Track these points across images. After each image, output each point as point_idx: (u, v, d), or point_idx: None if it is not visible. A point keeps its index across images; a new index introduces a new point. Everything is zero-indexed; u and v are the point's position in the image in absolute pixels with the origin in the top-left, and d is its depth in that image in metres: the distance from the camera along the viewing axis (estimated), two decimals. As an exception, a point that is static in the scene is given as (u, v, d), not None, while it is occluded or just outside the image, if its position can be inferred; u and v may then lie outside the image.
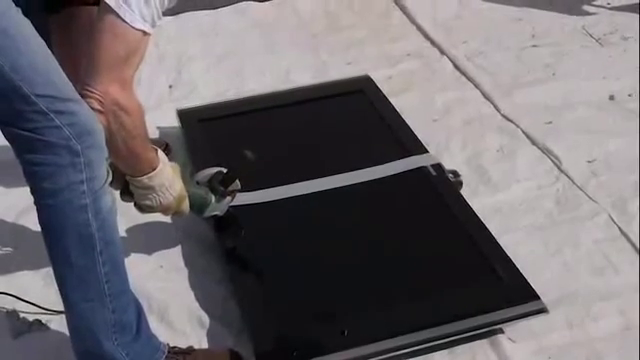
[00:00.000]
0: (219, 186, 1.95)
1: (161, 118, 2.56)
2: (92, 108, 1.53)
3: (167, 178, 1.79)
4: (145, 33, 1.57)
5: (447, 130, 2.53)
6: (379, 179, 2.18)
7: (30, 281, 2.00)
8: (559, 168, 2.33)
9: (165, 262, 2.06)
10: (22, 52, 1.37)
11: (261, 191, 2.11)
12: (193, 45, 3.04)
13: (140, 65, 1.64)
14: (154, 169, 1.75)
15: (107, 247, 1.51)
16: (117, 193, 1.77)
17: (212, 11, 3.25)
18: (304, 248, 1.99)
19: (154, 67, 2.89)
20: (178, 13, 3.19)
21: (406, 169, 2.21)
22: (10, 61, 1.35)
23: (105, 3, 1.52)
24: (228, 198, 1.98)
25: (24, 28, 1.40)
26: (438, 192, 2.13)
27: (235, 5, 3.29)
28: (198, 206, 1.93)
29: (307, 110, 2.50)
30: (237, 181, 1.97)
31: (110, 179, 1.54)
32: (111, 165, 1.76)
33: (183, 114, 2.49)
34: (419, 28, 3.12)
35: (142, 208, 1.84)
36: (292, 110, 2.49)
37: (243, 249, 2.00)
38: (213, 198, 1.95)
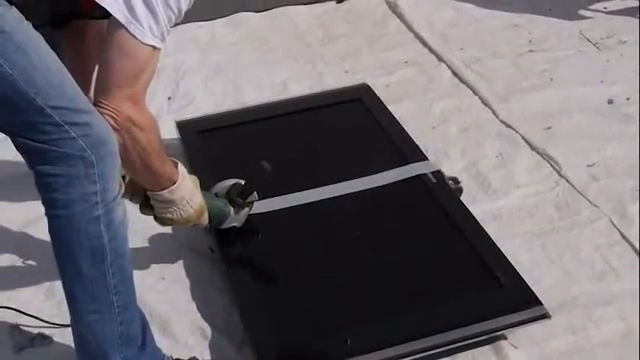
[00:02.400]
0: (237, 198, 1.96)
1: (160, 130, 2.55)
2: None
3: (187, 191, 1.81)
4: (155, 48, 1.58)
5: (446, 137, 2.53)
6: (379, 187, 2.18)
7: (31, 295, 1.99)
8: (559, 173, 2.33)
9: (167, 274, 2.06)
10: (35, 65, 1.38)
11: (260, 201, 2.10)
12: (190, 57, 3.04)
13: (152, 80, 1.65)
14: (174, 183, 1.78)
15: (117, 259, 1.51)
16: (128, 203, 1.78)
17: (208, 22, 3.25)
18: (305, 257, 1.99)
19: (152, 79, 2.90)
20: (174, 25, 3.18)
21: (406, 177, 2.21)
22: (24, 74, 1.36)
23: (115, 19, 1.53)
24: (246, 209, 1.99)
25: (36, 41, 1.41)
26: (438, 199, 2.13)
27: (230, 16, 3.29)
28: (217, 218, 1.94)
29: (305, 119, 2.50)
30: (255, 192, 1.98)
31: (122, 191, 1.55)
32: (131, 180, 1.78)
33: (182, 125, 2.50)
34: (416, 36, 3.12)
35: (163, 221, 1.86)
36: (291, 120, 2.50)
37: (245, 260, 2.00)
38: (232, 210, 1.96)
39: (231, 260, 2.00)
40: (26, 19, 1.42)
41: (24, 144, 1.42)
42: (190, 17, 3.16)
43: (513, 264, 1.90)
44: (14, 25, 1.38)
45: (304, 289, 1.90)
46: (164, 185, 1.77)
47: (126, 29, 1.53)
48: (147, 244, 2.13)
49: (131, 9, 1.52)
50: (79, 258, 1.47)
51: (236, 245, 2.03)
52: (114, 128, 1.55)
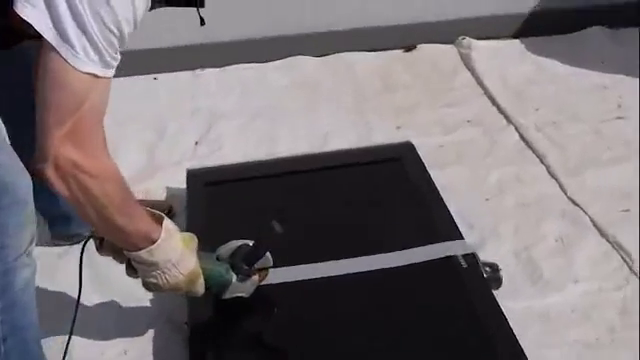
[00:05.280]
0: (241, 263, 1.64)
1: (176, 177, 2.29)
2: (48, 176, 1.30)
3: (174, 252, 1.51)
4: (96, 76, 1.30)
5: (499, 212, 2.16)
6: (400, 267, 1.82)
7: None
8: (630, 268, 1.93)
9: (131, 347, 1.77)
10: None
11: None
12: (230, 100, 2.79)
13: (103, 117, 1.36)
14: (154, 242, 1.48)
15: (14, 333, 1.24)
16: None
17: (259, 64, 3.00)
18: (302, 345, 1.66)
19: (184, 121, 2.67)
20: (224, 65, 2.96)
21: (433, 257, 1.83)
22: None
23: (46, 41, 1.26)
24: (255, 277, 1.67)
25: None
26: (466, 288, 1.74)
27: (285, 59, 3.02)
28: (217, 286, 1.64)
29: (331, 179, 2.15)
30: (268, 256, 1.66)
31: (33, 248, 1.27)
32: None
33: (192, 175, 2.21)
34: (486, 92, 2.76)
35: (147, 286, 1.56)
36: (314, 178, 2.16)
37: (220, 343, 1.67)
38: (234, 277, 1.64)
39: (201, 342, 1.66)
40: None
41: None
42: (241, 58, 2.98)
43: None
44: None
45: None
46: (140, 245, 1.48)
47: (57, 52, 1.26)
48: (118, 305, 1.86)
49: (60, 26, 1.24)
50: None
51: (211, 322, 1.70)
52: (58, 178, 1.31)
